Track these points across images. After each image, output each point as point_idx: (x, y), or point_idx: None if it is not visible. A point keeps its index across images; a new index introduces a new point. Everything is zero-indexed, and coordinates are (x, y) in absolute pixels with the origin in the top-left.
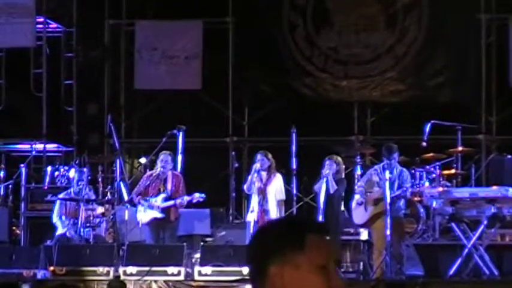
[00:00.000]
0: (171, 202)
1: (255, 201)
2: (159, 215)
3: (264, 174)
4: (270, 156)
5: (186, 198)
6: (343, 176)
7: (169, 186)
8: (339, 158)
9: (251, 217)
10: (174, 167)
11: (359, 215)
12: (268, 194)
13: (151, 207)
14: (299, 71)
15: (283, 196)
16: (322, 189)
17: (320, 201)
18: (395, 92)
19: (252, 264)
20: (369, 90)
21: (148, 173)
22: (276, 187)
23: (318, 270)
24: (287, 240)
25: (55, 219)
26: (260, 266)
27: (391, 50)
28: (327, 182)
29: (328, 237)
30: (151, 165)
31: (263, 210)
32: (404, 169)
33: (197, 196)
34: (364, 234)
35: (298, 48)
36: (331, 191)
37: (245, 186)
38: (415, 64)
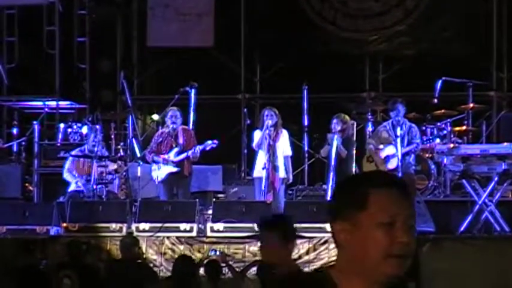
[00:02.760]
0: (184, 154)
1: (265, 157)
2: (174, 169)
3: (272, 130)
4: (277, 112)
5: (199, 147)
6: (351, 134)
7: (180, 140)
8: (347, 117)
9: (261, 173)
10: (186, 124)
11: None
12: (277, 150)
13: (165, 162)
14: (309, 25)
15: (290, 152)
16: (333, 146)
17: (331, 158)
18: (404, 45)
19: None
20: (378, 43)
21: (160, 131)
22: (284, 143)
23: (378, 227)
24: (350, 197)
25: (65, 174)
26: (330, 222)
27: (401, 3)
28: (331, 146)
29: (399, 191)
30: (163, 122)
31: (273, 167)
32: (413, 124)
33: (209, 143)
34: None
35: (308, 2)
36: (343, 156)
37: (255, 143)
38: (425, 18)
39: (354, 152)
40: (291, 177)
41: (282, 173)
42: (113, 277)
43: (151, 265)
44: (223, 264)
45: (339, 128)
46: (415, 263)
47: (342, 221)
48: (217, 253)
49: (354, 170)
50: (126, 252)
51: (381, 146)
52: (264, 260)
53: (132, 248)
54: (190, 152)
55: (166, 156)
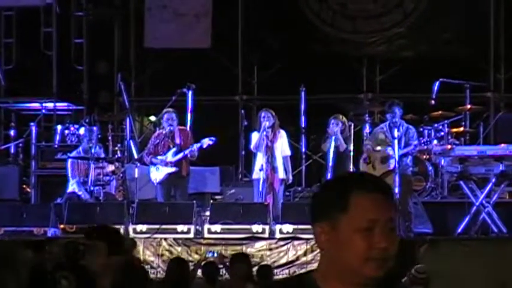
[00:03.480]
0: (182, 154)
1: (263, 159)
2: (172, 169)
3: (269, 131)
4: (274, 113)
5: (196, 145)
6: (349, 135)
7: (177, 140)
8: (344, 118)
9: (259, 175)
10: (184, 126)
11: None
12: (276, 151)
13: (164, 164)
14: (308, 26)
15: (288, 152)
16: (331, 147)
17: (329, 158)
18: (402, 47)
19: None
20: (377, 45)
21: (156, 132)
22: (282, 143)
23: (357, 231)
24: (332, 199)
25: (70, 179)
26: (312, 224)
27: (400, 5)
28: (335, 140)
29: (381, 195)
30: (160, 123)
31: (272, 168)
32: (410, 126)
33: (207, 140)
34: None
35: (306, 3)
36: (342, 150)
37: (252, 145)
38: (423, 19)
39: (352, 153)
40: (290, 177)
41: (281, 174)
42: None
43: (148, 267)
44: (221, 266)
45: (336, 128)
46: (412, 264)
47: (322, 222)
48: (215, 255)
49: (351, 170)
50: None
51: (378, 148)
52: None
53: (129, 251)
54: (187, 151)
55: (164, 157)
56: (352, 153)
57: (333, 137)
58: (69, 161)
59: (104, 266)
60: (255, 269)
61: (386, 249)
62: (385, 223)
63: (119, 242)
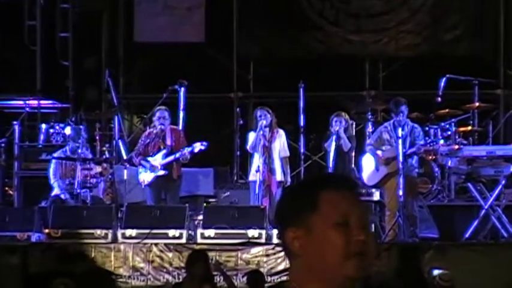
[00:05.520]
0: (172, 157)
1: (260, 160)
2: (161, 172)
3: (267, 131)
4: (270, 111)
5: (187, 149)
6: (353, 133)
7: (168, 141)
8: (347, 115)
9: (256, 177)
10: (176, 124)
11: (371, 176)
12: (273, 152)
13: (153, 169)
14: (309, 24)
15: (287, 153)
16: (332, 146)
17: (330, 159)
18: (410, 46)
19: (277, 229)
20: (383, 44)
21: (147, 131)
22: (280, 144)
23: (333, 227)
24: (300, 201)
25: (52, 180)
26: (280, 231)
27: (406, 1)
28: (336, 139)
29: (350, 191)
30: (151, 122)
31: (269, 170)
32: (416, 125)
33: (198, 145)
34: (376, 195)
35: (308, 1)
36: (345, 149)
37: (249, 145)
38: (431, 16)
39: (353, 153)
40: (289, 179)
41: (279, 176)
42: None
43: (138, 274)
44: (217, 273)
45: (337, 127)
46: (417, 271)
47: (294, 227)
48: (211, 261)
49: (352, 170)
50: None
51: (382, 148)
52: None
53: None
54: (178, 154)
55: (152, 159)
56: (353, 154)
57: (334, 136)
58: (54, 161)
59: None
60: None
61: (365, 242)
62: (359, 217)
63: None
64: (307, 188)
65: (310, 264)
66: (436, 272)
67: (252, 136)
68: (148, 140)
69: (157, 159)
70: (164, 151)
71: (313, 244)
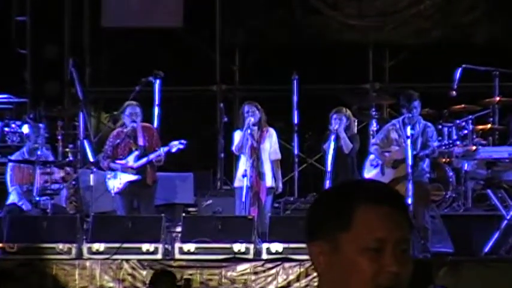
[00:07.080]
0: (145, 159)
1: (247, 163)
2: (134, 177)
3: (255, 130)
4: (259, 107)
5: (163, 149)
6: (356, 132)
7: (141, 141)
8: (349, 111)
9: (242, 182)
10: (150, 122)
11: None
12: (263, 154)
13: (124, 169)
14: (304, 7)
15: (278, 155)
16: (330, 147)
17: (328, 162)
18: (420, 32)
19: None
20: (388, 30)
21: (116, 131)
22: (270, 145)
23: (363, 252)
24: (331, 213)
25: (11, 188)
26: (307, 242)
27: None
28: (336, 139)
29: (392, 209)
30: (121, 119)
31: (258, 174)
32: (429, 123)
33: (176, 144)
34: None
35: None
36: (346, 151)
37: (234, 146)
38: None
39: (355, 155)
40: (280, 185)
41: (269, 181)
42: None
43: None
44: None
45: (337, 126)
46: None
47: (320, 241)
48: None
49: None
50: None
51: (390, 149)
52: None
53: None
54: (152, 156)
55: (124, 162)
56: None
57: (333, 136)
58: (10, 165)
59: None
60: None
61: (397, 274)
62: (396, 243)
63: None
64: (343, 198)
65: (333, 284)
66: None
67: (237, 135)
68: (118, 141)
69: (129, 162)
70: (136, 153)
71: (338, 265)
